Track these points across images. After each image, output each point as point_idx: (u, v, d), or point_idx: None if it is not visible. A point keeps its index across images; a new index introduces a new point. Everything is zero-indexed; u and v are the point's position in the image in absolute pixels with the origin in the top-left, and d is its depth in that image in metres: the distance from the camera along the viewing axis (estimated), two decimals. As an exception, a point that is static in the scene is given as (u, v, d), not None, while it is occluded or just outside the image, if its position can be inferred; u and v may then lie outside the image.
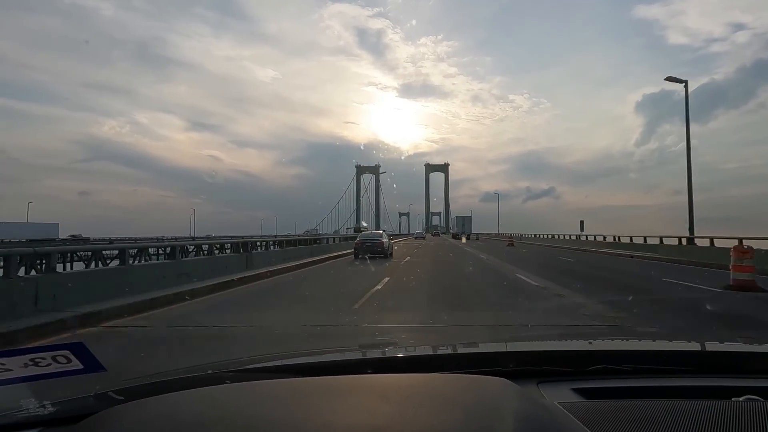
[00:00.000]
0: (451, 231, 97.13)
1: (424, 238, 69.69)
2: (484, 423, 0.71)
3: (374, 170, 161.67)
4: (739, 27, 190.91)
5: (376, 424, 0.70)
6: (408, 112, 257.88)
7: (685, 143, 20.75)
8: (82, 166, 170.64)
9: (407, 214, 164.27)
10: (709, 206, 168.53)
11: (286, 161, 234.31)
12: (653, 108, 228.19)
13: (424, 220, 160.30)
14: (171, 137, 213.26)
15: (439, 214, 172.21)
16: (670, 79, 21.01)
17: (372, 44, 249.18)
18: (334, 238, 29.72)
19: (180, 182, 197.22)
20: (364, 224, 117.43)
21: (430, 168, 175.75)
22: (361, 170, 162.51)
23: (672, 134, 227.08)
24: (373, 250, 20.29)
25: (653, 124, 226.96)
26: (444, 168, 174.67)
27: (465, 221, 74.88)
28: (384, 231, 26.48)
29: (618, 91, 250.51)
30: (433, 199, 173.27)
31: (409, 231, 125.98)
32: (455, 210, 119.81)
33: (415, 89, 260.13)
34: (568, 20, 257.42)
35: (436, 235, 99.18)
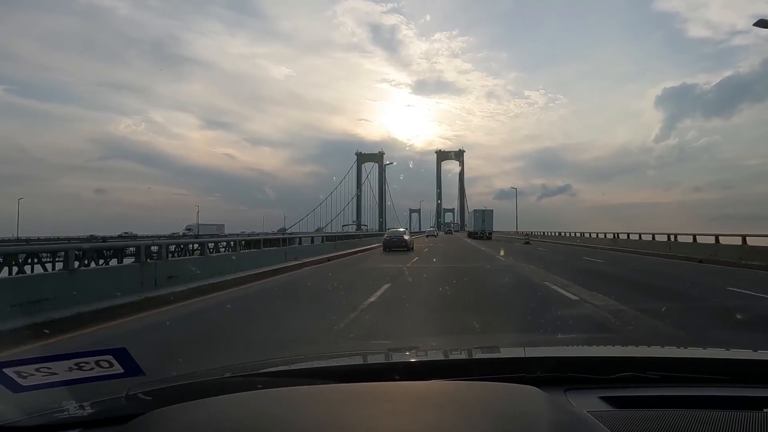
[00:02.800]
0: (466, 228, 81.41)
1: (435, 236, 63.47)
2: None
3: (377, 158, 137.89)
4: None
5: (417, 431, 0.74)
6: (421, 108, 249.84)
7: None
8: (99, 164, 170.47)
9: (418, 211, 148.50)
10: (730, 204, 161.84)
11: (300, 159, 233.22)
12: (674, 103, 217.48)
13: (435, 216, 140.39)
14: (186, 135, 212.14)
15: (452, 210, 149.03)
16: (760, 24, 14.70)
17: (386, 40, 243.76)
18: (306, 238, 24.76)
19: (195, 180, 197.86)
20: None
21: (443, 155, 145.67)
22: (362, 158, 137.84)
23: (693, 129, 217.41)
24: (398, 245, 25.52)
25: (673, 119, 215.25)
26: (459, 155, 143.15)
27: (485, 216, 59.11)
28: (406, 229, 32.90)
29: (637, 86, 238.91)
30: (450, 192, 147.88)
31: (420, 228, 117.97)
32: (470, 206, 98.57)
33: (429, 86, 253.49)
34: (586, 14, 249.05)
35: (449, 232, 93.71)
